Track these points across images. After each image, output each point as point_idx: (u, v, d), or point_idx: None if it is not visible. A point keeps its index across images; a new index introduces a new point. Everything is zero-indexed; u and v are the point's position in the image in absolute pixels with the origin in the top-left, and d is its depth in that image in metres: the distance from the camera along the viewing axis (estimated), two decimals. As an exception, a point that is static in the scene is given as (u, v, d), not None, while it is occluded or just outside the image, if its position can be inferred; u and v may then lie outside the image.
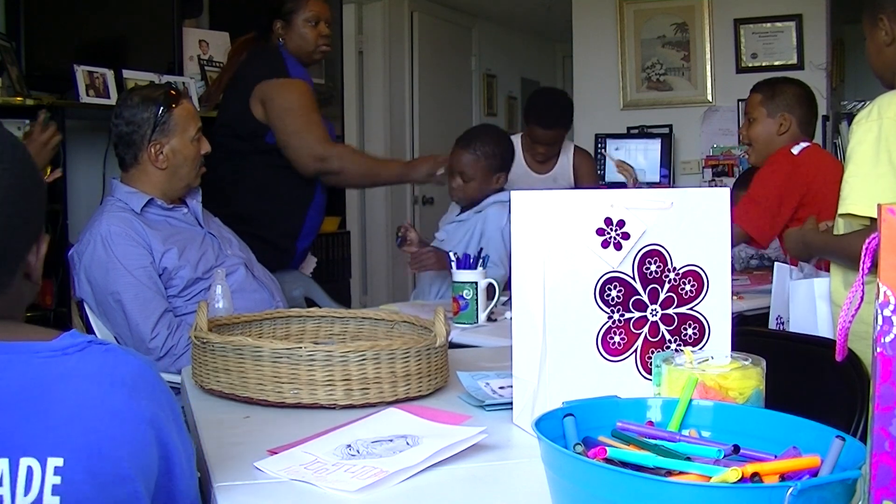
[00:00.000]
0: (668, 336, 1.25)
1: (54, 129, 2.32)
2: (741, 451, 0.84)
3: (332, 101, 4.50)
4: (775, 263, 2.29)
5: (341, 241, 4.21)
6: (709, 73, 4.81)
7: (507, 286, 2.31)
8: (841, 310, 0.82)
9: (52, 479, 0.83)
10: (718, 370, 1.04)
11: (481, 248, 2.60)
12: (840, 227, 1.88)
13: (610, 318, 1.23)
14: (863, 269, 0.79)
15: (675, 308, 1.25)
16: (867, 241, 0.78)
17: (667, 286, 1.24)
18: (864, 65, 2.06)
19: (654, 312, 1.24)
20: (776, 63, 4.64)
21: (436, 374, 1.49)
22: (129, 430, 0.88)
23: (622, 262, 1.22)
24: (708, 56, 4.81)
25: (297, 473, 1.08)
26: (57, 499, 0.83)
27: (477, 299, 2.36)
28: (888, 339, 0.73)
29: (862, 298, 0.82)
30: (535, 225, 1.23)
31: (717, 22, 4.76)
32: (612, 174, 4.70)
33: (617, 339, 1.23)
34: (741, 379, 1.03)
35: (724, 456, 0.83)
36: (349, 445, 1.17)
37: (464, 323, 2.35)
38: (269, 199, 2.79)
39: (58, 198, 2.92)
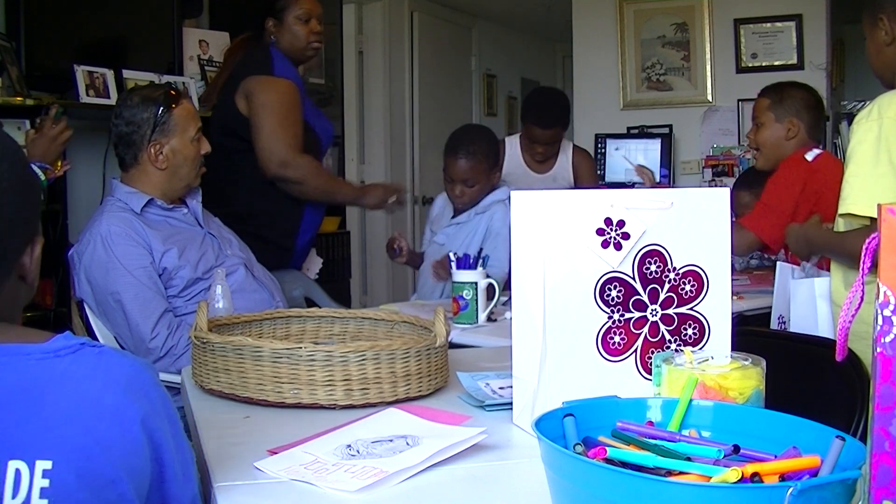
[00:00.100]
0: (668, 336, 1.25)
1: (64, 123, 2.32)
2: (741, 451, 0.84)
3: (332, 101, 4.51)
4: (777, 263, 2.28)
5: (341, 241, 4.21)
6: (709, 73, 4.81)
7: (507, 286, 2.31)
8: (841, 310, 0.82)
9: (41, 482, 0.83)
10: (718, 370, 1.04)
11: (481, 248, 2.60)
12: (840, 226, 1.88)
13: (610, 318, 1.23)
14: (863, 269, 0.79)
15: (675, 308, 1.25)
16: (867, 241, 0.78)
17: (667, 286, 1.24)
18: (864, 65, 2.06)
19: (654, 312, 1.24)
20: (776, 63, 4.64)
21: (436, 374, 1.49)
22: (119, 432, 0.87)
23: (622, 262, 1.22)
24: (708, 56, 4.81)
25: (297, 473, 1.08)
26: (45, 502, 0.82)
27: (477, 299, 2.36)
28: (888, 339, 0.73)
29: (862, 298, 0.82)
30: (535, 225, 1.23)
31: (717, 22, 4.76)
32: (613, 174, 4.70)
33: (617, 339, 1.23)
34: (741, 379, 1.03)
35: (724, 456, 0.83)
36: (349, 445, 1.17)
37: (464, 323, 2.35)
38: (266, 197, 2.79)
39: (58, 198, 2.92)
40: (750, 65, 4.71)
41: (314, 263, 3.12)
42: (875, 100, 1.80)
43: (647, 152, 4.69)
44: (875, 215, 1.48)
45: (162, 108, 2.22)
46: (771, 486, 0.75)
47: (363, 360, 1.39)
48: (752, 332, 1.90)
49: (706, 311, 1.27)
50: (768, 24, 4.65)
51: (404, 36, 5.96)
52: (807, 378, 1.69)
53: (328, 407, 1.38)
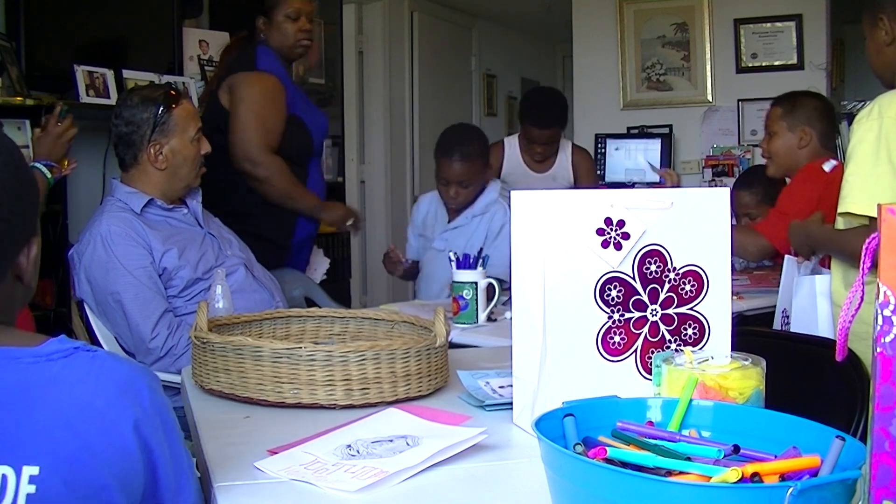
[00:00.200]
0: (668, 336, 1.25)
1: (69, 122, 2.32)
2: (741, 451, 0.84)
3: (332, 101, 4.51)
4: (786, 256, 2.27)
5: (341, 241, 4.21)
6: (709, 73, 4.81)
7: (507, 286, 2.31)
8: (841, 310, 0.82)
9: (27, 488, 0.81)
10: (718, 370, 1.04)
11: (481, 248, 2.60)
12: (840, 225, 1.89)
13: (610, 318, 1.23)
14: (863, 269, 0.79)
15: (675, 308, 1.25)
16: (867, 241, 0.78)
17: (667, 286, 1.24)
18: (864, 65, 2.06)
19: (654, 312, 1.24)
20: (776, 63, 4.64)
21: (436, 374, 1.49)
22: (110, 438, 0.85)
23: (622, 262, 1.22)
24: (708, 56, 4.81)
25: (297, 473, 1.08)
26: None
27: (477, 299, 2.36)
28: (888, 339, 0.73)
29: (862, 298, 0.82)
30: (535, 225, 1.23)
31: (717, 22, 4.76)
32: (613, 174, 4.70)
33: (617, 339, 1.23)
34: (741, 379, 1.03)
35: (724, 456, 0.83)
36: (349, 445, 1.17)
37: (464, 323, 2.35)
38: (256, 193, 2.80)
39: (58, 198, 2.92)
40: (750, 65, 4.71)
41: (321, 264, 3.11)
42: (875, 99, 1.80)
43: (647, 152, 4.69)
44: (874, 214, 1.48)
45: (161, 109, 2.22)
46: (771, 486, 0.75)
47: (363, 360, 1.39)
48: (752, 332, 1.90)
49: (706, 311, 1.27)
50: (768, 24, 4.65)
51: (404, 36, 5.96)
52: (807, 378, 1.69)
53: (328, 407, 1.38)
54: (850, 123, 1.95)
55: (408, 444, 1.17)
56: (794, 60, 4.60)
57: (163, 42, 3.55)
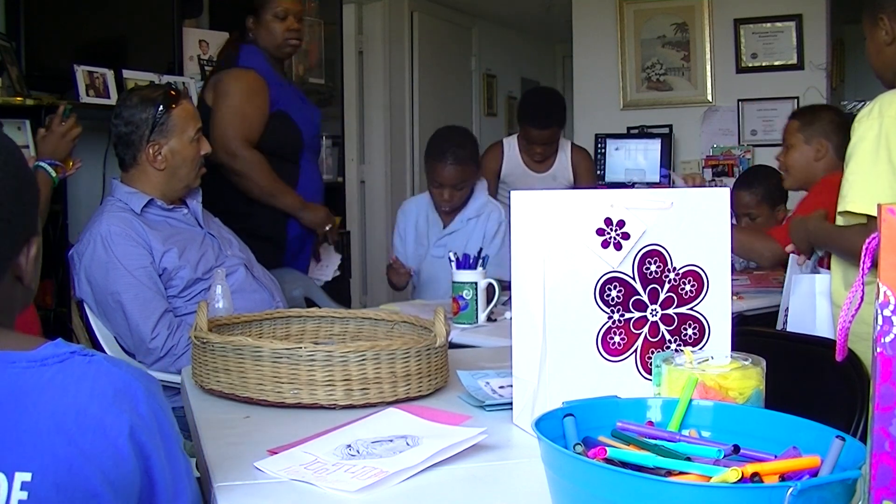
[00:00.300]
0: (668, 336, 1.25)
1: (73, 121, 2.32)
2: (741, 451, 0.84)
3: (332, 101, 4.50)
4: (790, 256, 2.28)
5: (341, 241, 4.20)
6: (709, 73, 4.81)
7: (507, 286, 2.31)
8: (841, 310, 0.82)
9: (19, 495, 0.80)
10: (718, 370, 1.04)
11: (481, 248, 2.60)
12: (839, 224, 1.89)
13: (610, 318, 1.23)
14: (863, 269, 0.79)
15: (675, 308, 1.25)
16: (867, 241, 0.78)
17: (667, 286, 1.24)
18: (864, 65, 2.06)
19: (654, 312, 1.24)
20: (776, 63, 4.64)
21: (436, 374, 1.49)
22: (104, 444, 0.84)
23: (622, 262, 1.22)
24: (708, 56, 4.81)
25: (297, 473, 1.08)
26: None
27: (477, 299, 2.36)
28: (888, 339, 0.73)
29: (862, 298, 0.82)
30: (535, 225, 1.23)
31: (717, 22, 4.76)
32: (613, 174, 4.70)
33: (617, 339, 1.23)
34: (741, 379, 1.03)
35: (724, 456, 0.83)
36: (349, 445, 1.17)
37: (464, 323, 2.35)
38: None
39: (58, 198, 2.91)
40: (750, 65, 4.71)
41: (333, 259, 3.10)
42: (876, 99, 1.81)
43: (647, 152, 4.69)
44: (873, 213, 1.47)
45: (161, 109, 2.22)
46: (771, 486, 0.75)
47: (363, 360, 1.39)
48: (752, 332, 1.90)
49: (706, 311, 1.27)
50: (768, 24, 4.65)
51: (404, 36, 5.96)
52: (807, 378, 1.69)
53: (328, 407, 1.38)
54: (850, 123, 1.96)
55: (408, 444, 1.17)
56: (794, 60, 4.60)
57: (163, 42, 3.55)
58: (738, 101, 4.72)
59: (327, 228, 2.92)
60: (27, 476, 0.81)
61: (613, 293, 1.22)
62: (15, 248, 0.93)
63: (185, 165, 2.27)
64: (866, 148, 1.77)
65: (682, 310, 1.26)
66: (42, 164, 2.24)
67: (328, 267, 3.07)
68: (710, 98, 4.82)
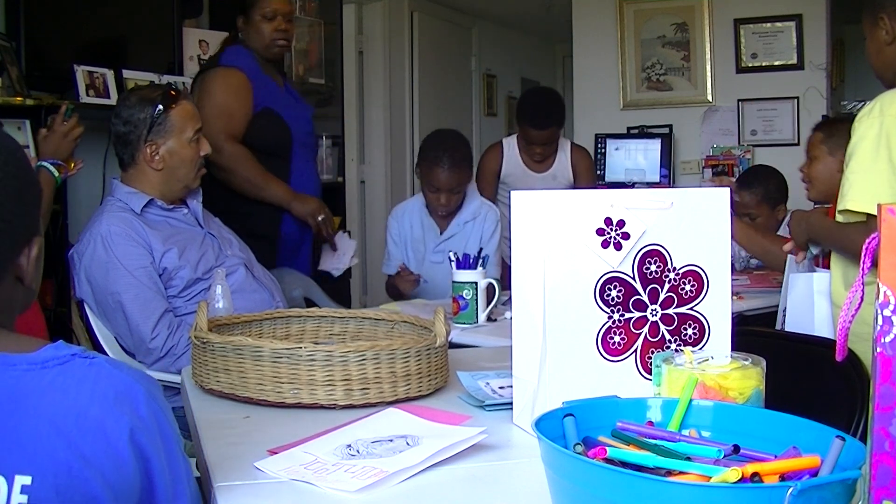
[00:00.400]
0: (668, 336, 1.25)
1: (75, 120, 2.32)
2: (741, 451, 0.84)
3: (332, 101, 4.50)
4: (788, 256, 2.28)
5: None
6: (709, 73, 4.81)
7: (507, 286, 2.31)
8: (841, 310, 0.82)
9: (19, 498, 0.80)
10: (718, 370, 1.04)
11: (481, 248, 2.61)
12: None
13: (610, 318, 1.23)
14: (863, 268, 0.79)
15: (675, 308, 1.25)
16: (867, 241, 0.78)
17: (667, 286, 1.24)
18: (864, 65, 2.06)
19: (654, 312, 1.24)
20: (776, 63, 4.64)
21: (436, 374, 1.49)
22: (104, 447, 0.84)
23: (622, 262, 1.22)
24: (708, 56, 4.81)
25: (297, 473, 1.08)
26: None
27: (477, 299, 2.36)
28: (888, 339, 0.73)
29: (862, 298, 0.82)
30: (535, 225, 1.23)
31: (717, 22, 4.76)
32: (613, 174, 4.70)
33: (617, 339, 1.23)
34: (741, 379, 1.03)
35: (724, 456, 0.83)
36: (349, 445, 1.17)
37: (464, 323, 2.35)
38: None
39: (58, 198, 2.91)
40: (750, 65, 4.71)
41: (349, 247, 3.06)
42: (877, 98, 1.81)
43: (647, 152, 4.69)
44: (873, 211, 1.47)
45: (159, 109, 2.22)
46: (771, 486, 0.75)
47: (363, 360, 1.39)
48: (752, 332, 1.90)
49: (706, 311, 1.27)
50: (768, 24, 4.65)
51: (404, 36, 5.96)
52: (807, 378, 1.69)
53: (328, 407, 1.38)
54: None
55: (408, 443, 1.17)
56: (794, 60, 4.60)
57: (163, 42, 3.55)
58: (738, 101, 4.72)
59: (320, 219, 2.90)
60: (27, 479, 0.80)
61: (613, 293, 1.22)
62: (16, 248, 0.93)
63: (183, 166, 2.27)
64: (866, 147, 1.77)
65: (682, 310, 1.26)
66: (45, 163, 2.25)
67: (345, 255, 3.03)
68: (710, 98, 4.82)
